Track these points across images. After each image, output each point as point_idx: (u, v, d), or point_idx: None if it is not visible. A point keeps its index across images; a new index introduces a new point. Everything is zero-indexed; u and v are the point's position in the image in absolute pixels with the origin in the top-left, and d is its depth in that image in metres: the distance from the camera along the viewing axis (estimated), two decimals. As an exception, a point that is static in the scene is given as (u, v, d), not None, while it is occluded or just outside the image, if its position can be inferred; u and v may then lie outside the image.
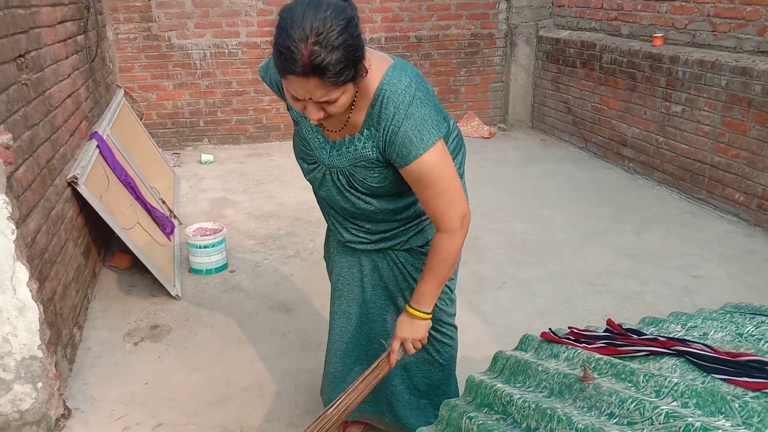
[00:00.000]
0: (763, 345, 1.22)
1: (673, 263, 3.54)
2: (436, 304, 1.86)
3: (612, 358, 1.25)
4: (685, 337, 1.31)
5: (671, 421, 0.98)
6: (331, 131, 1.65)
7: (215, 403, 2.46)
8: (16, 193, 2.21)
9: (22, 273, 2.13)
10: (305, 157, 1.75)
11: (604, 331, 1.44)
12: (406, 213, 1.78)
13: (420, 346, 1.74)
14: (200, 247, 3.47)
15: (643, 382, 1.13)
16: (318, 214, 3.81)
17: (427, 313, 1.70)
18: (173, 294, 3.21)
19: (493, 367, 1.52)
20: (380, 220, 1.78)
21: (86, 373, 2.66)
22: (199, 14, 5.83)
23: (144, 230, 3.40)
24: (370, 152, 1.59)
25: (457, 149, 1.83)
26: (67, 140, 3.17)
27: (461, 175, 1.86)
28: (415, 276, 1.88)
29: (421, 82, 1.56)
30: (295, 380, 2.58)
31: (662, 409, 1.01)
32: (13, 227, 2.08)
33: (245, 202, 4.65)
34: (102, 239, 3.64)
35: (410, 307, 1.70)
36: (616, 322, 1.46)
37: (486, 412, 1.34)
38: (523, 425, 1.19)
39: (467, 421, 1.31)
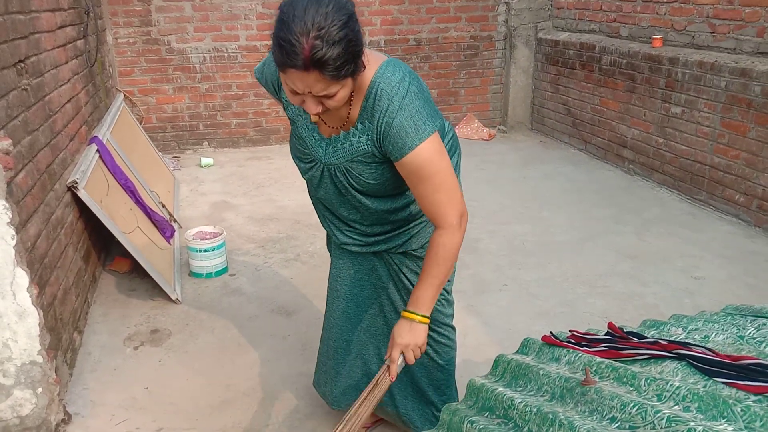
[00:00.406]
0: (765, 348, 1.22)
1: (674, 264, 3.54)
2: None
3: (613, 362, 1.25)
4: (686, 340, 1.30)
5: (673, 425, 0.98)
6: (329, 127, 1.65)
7: (216, 408, 2.46)
8: (16, 198, 2.21)
9: (22, 278, 2.12)
10: (302, 156, 1.76)
11: (605, 335, 1.44)
12: (401, 215, 1.77)
13: (420, 354, 1.66)
14: (200, 251, 3.47)
15: (644, 385, 1.13)
16: (318, 217, 3.81)
17: (426, 317, 1.63)
18: (173, 298, 3.21)
19: (494, 370, 1.51)
20: (375, 222, 1.78)
21: (86, 377, 2.65)
22: (198, 18, 5.83)
23: (144, 234, 3.40)
24: (365, 146, 1.58)
25: (452, 151, 1.82)
26: (67, 145, 3.17)
27: (457, 177, 1.86)
28: (411, 279, 1.88)
29: (414, 77, 1.56)
30: (296, 384, 2.58)
31: (664, 414, 1.01)
32: (13, 232, 2.08)
33: (245, 206, 4.65)
34: (102, 243, 3.64)
35: (408, 311, 1.63)
36: (617, 325, 1.45)
37: (487, 417, 1.33)
38: (525, 429, 1.19)
39: (468, 425, 1.31)
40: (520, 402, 1.24)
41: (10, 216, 2.07)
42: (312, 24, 1.30)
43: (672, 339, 1.33)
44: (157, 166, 4.77)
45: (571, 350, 1.38)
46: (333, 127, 1.64)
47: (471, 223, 4.19)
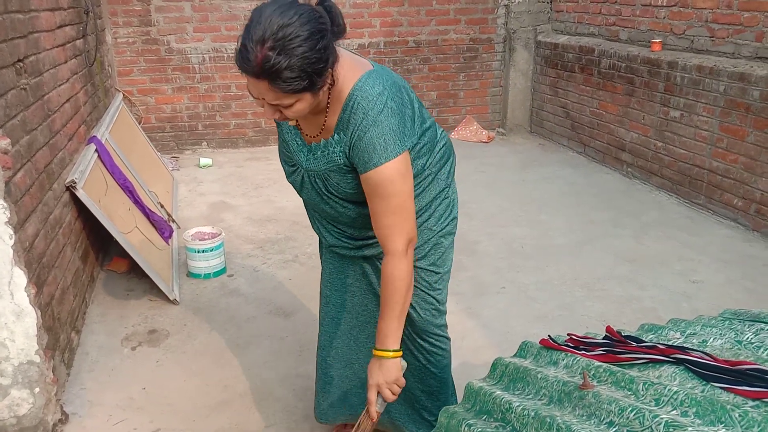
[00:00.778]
0: (763, 353, 1.22)
1: (672, 268, 3.54)
2: (420, 315, 1.85)
3: (611, 366, 1.25)
4: (684, 345, 1.31)
5: (671, 430, 0.98)
6: (309, 135, 1.65)
7: (213, 408, 2.46)
8: (14, 197, 2.21)
9: (20, 278, 2.12)
10: (287, 159, 1.77)
11: (603, 338, 1.44)
12: None
13: (398, 390, 1.61)
14: (199, 252, 3.47)
15: (642, 390, 1.13)
16: (317, 218, 3.81)
17: (396, 350, 1.59)
18: (171, 298, 3.20)
19: (492, 373, 1.51)
20: (362, 226, 1.76)
21: (84, 377, 2.65)
22: (198, 18, 5.83)
23: (142, 234, 3.39)
24: (339, 157, 1.58)
25: (445, 158, 1.80)
26: (66, 144, 3.17)
27: (450, 184, 1.84)
28: None
29: (396, 92, 1.54)
30: (293, 385, 2.58)
31: (662, 418, 1.00)
32: (11, 232, 2.08)
33: (244, 206, 4.65)
34: (100, 243, 3.63)
35: (377, 349, 1.60)
36: (615, 329, 1.45)
37: (485, 420, 1.33)
38: (523, 433, 1.19)
39: (466, 428, 1.31)
40: (518, 405, 1.24)
41: (8, 215, 2.07)
42: (270, 33, 1.30)
43: (670, 343, 1.33)
44: (156, 167, 4.77)
45: (569, 354, 1.38)
46: (312, 135, 1.64)
47: (470, 226, 4.22)
